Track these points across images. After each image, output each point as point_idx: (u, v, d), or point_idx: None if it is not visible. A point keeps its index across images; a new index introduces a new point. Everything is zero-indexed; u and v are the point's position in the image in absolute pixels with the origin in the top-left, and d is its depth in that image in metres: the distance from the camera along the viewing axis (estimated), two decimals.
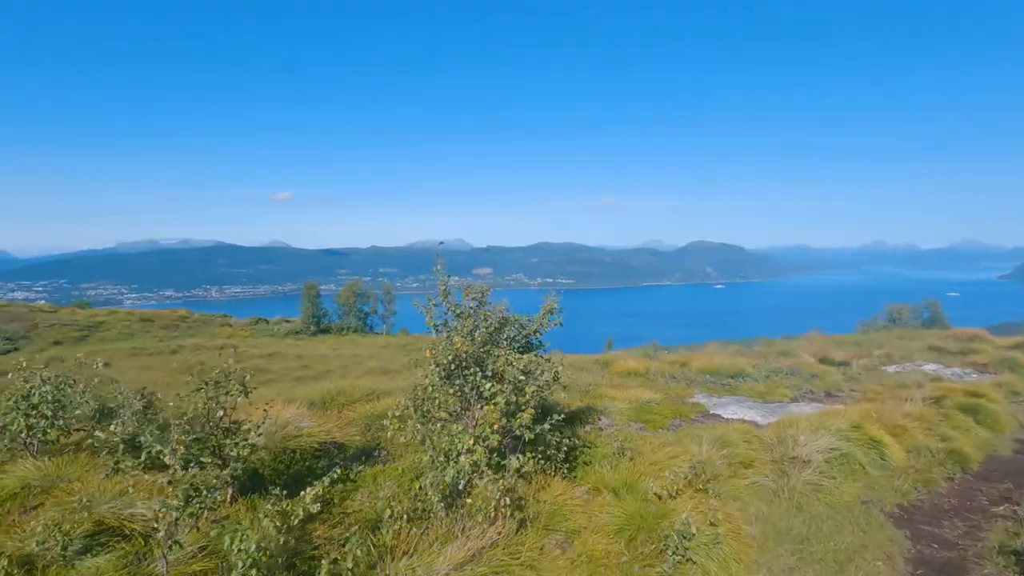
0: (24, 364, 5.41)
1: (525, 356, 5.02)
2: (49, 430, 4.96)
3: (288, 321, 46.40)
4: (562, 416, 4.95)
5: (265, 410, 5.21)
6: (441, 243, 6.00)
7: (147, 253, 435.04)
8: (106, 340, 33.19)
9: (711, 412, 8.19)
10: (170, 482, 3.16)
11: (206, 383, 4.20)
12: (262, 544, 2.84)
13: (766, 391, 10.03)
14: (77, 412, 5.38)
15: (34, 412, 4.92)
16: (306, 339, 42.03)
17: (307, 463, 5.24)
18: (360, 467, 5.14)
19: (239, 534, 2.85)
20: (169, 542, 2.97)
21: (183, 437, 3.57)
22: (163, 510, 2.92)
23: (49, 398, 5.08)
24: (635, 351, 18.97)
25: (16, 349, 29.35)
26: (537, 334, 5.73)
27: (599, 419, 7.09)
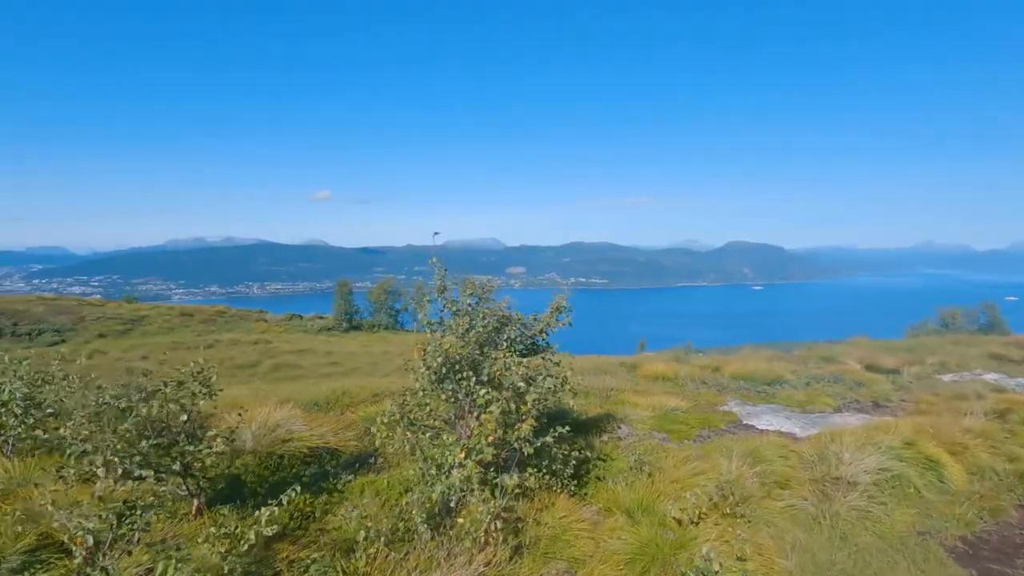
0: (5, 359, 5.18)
1: (527, 360, 4.49)
2: (19, 428, 4.71)
3: (322, 318, 46.96)
4: (569, 427, 4.43)
5: (240, 413, 4.87)
6: (437, 233, 5.51)
7: (194, 250, 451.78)
8: (147, 334, 34.18)
9: (744, 422, 7.50)
10: (100, 497, 2.80)
11: (165, 383, 3.84)
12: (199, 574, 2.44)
13: (806, 400, 9.24)
14: (50, 411, 5.10)
15: (3, 410, 4.69)
16: (338, 336, 42.45)
17: (294, 470, 4.88)
18: (350, 476, 4.74)
19: (172, 562, 2.45)
20: (90, 571, 2.59)
21: (139, 444, 3.22)
22: (79, 535, 2.54)
23: (18, 395, 4.84)
24: (666, 353, 18.25)
25: (63, 341, 30.49)
26: (544, 335, 5.19)
27: (618, 428, 6.52)
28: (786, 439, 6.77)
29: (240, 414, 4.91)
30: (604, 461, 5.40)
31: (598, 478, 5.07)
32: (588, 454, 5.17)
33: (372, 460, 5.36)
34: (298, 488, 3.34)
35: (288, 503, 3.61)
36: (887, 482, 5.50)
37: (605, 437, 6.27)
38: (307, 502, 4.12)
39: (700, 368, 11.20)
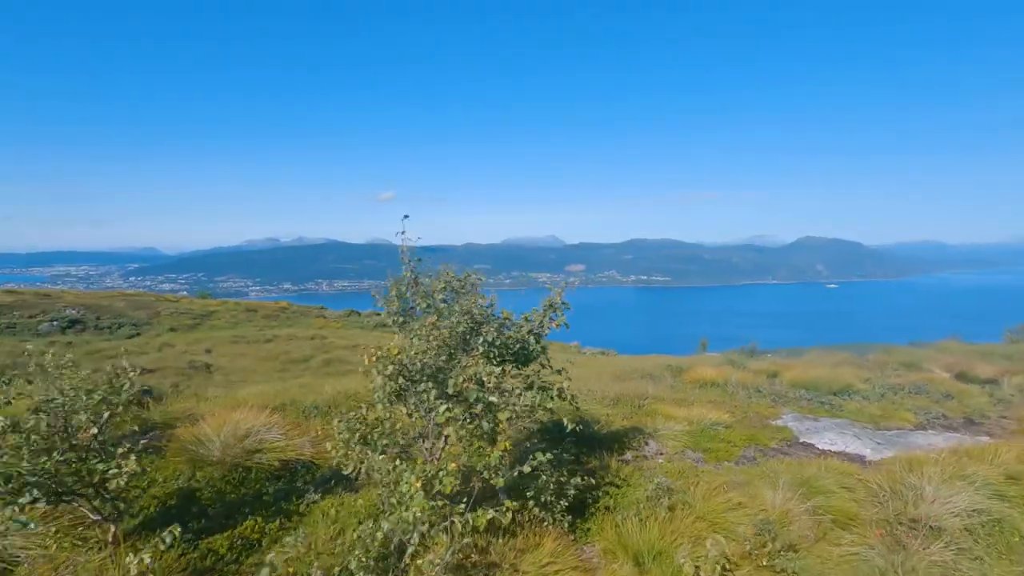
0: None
1: (499, 368, 3.69)
2: None
3: (378, 314, 47.76)
4: (567, 449, 3.63)
5: (204, 419, 4.40)
6: (406, 216, 4.81)
7: (268, 250, 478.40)
8: (214, 328, 35.77)
9: (800, 440, 6.39)
10: None
11: (62, 390, 3.34)
12: None
13: (880, 414, 7.92)
14: None
15: None
16: (394, 332, 42.94)
17: (259, 486, 4.36)
18: (317, 496, 4.16)
19: None
20: None
21: (39, 460, 2.74)
22: None
23: None
24: (722, 356, 16.84)
25: (139, 334, 32.35)
26: (536, 337, 4.38)
27: (645, 445, 5.62)
28: (852, 464, 5.64)
29: (204, 419, 4.44)
30: (618, 487, 4.55)
31: (607, 508, 4.23)
32: (594, 480, 4.34)
33: (355, 476, 4.77)
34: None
35: (232, 530, 3.04)
36: (982, 528, 4.34)
37: (628, 455, 5.40)
38: (257, 527, 3.57)
39: (755, 374, 10.00)
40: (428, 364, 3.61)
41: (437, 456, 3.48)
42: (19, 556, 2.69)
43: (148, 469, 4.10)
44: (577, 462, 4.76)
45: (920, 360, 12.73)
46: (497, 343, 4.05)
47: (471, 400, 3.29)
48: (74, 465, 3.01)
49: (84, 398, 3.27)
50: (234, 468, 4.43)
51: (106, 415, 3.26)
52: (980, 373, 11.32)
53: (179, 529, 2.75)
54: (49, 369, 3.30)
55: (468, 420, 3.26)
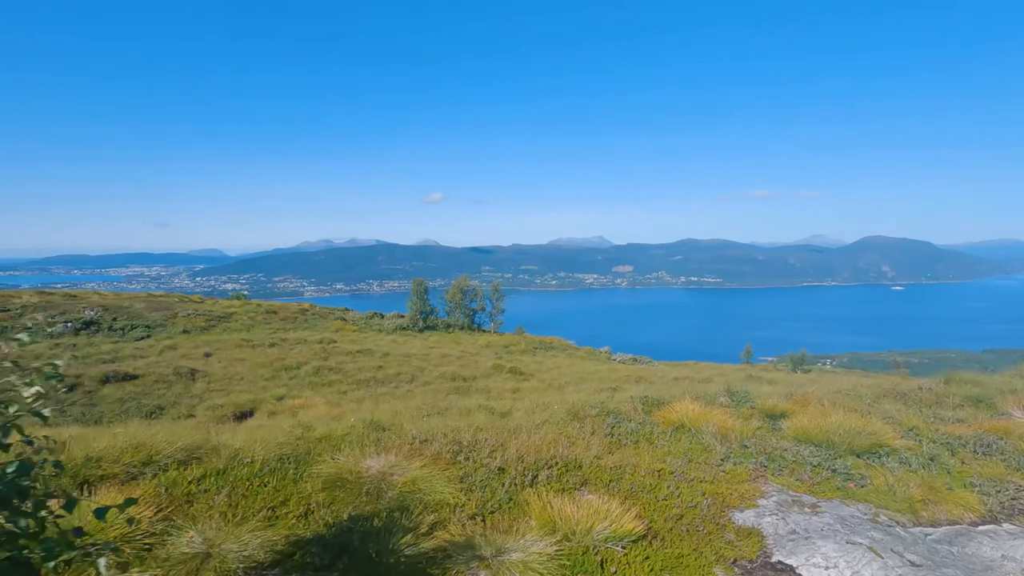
0: None
1: None
2: None
3: (401, 316, 46.54)
4: None
5: None
6: None
7: (323, 251, 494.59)
8: (228, 330, 35.25)
9: (773, 559, 3.90)
10: None
11: None
12: None
13: (924, 495, 5.23)
14: None
15: None
16: (412, 335, 41.57)
17: None
18: None
19: None
20: None
21: None
22: None
23: None
24: (767, 367, 14.11)
25: (149, 336, 32.03)
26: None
27: None
28: None
29: None
30: None
31: None
32: None
33: None
34: None
35: None
36: None
37: None
38: None
39: (746, 419, 7.34)
40: None
41: None
42: None
43: None
44: None
45: (992, 392, 9.64)
46: None
47: None
48: None
49: None
50: None
51: None
52: None
53: None
54: None
55: None
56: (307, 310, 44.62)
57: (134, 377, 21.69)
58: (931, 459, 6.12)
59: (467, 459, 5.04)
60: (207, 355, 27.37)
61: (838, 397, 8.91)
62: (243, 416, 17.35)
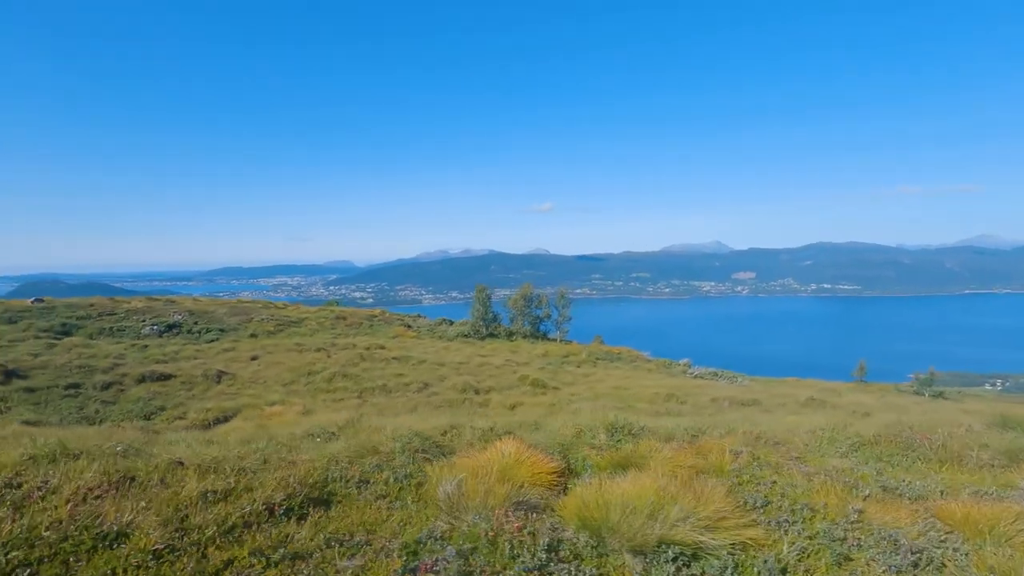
0: None
1: None
2: None
3: (465, 324, 46.16)
4: None
5: None
6: None
7: (439, 261, 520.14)
8: (292, 335, 36.96)
9: None
10: None
11: None
12: None
13: None
14: None
15: None
16: (470, 342, 40.86)
17: None
18: None
19: None
20: None
21: None
22: None
23: None
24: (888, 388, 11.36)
25: (218, 339, 34.35)
26: None
27: None
28: None
29: None
30: None
31: None
32: None
33: None
34: None
35: None
36: None
37: None
38: None
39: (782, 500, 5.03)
40: None
41: None
42: None
43: None
44: None
45: None
46: None
47: None
48: None
49: None
50: None
51: None
52: None
53: None
54: None
55: None
56: (375, 316, 45.77)
57: (169, 377, 22.90)
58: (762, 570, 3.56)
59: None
60: (253, 358, 28.55)
61: (805, 440, 6.16)
62: (221, 420, 17.37)
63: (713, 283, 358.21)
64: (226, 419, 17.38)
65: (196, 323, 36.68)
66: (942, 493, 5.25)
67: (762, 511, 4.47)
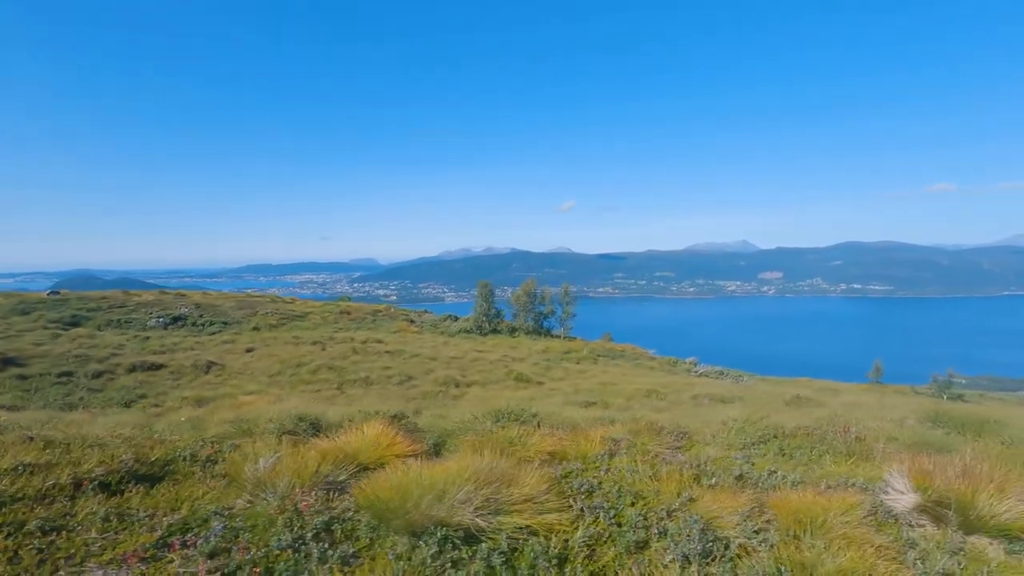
0: None
1: None
2: None
3: (468, 320, 46.16)
4: None
5: None
6: None
7: (461, 259, 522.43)
8: (293, 328, 37.45)
9: None
10: None
11: None
12: None
13: None
14: None
15: None
16: (473, 338, 40.82)
17: None
18: None
19: None
20: None
21: None
22: None
23: None
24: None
25: (220, 332, 34.99)
26: None
27: None
28: None
29: None
30: None
31: None
32: None
33: None
34: None
35: None
36: None
37: None
38: None
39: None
40: None
41: None
42: None
43: None
44: None
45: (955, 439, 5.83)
46: None
47: None
48: None
49: None
50: None
51: None
52: None
53: None
54: None
55: None
56: (380, 311, 46.08)
57: (159, 367, 23.40)
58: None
59: None
60: (248, 350, 28.99)
61: (715, 431, 5.88)
62: (195, 408, 17.59)
63: (739, 283, 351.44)
64: (200, 407, 17.63)
65: (201, 316, 37.44)
66: (819, 483, 4.93)
67: (585, 497, 4.24)
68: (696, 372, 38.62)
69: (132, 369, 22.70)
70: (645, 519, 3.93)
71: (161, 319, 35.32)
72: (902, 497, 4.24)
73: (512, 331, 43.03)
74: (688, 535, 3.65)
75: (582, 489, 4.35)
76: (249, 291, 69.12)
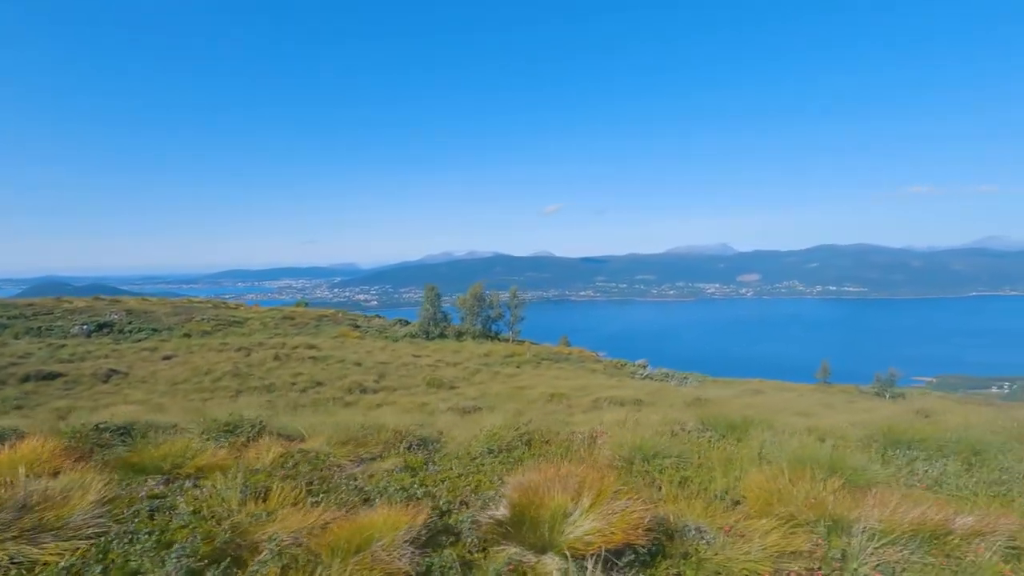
0: None
1: None
2: None
3: (407, 323, 45.58)
4: None
5: None
6: None
7: (444, 264, 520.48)
8: (228, 335, 36.49)
9: None
10: None
11: None
12: None
13: None
14: None
15: None
16: (417, 343, 40.20)
17: None
18: None
19: None
20: None
21: None
22: None
23: None
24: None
25: (146, 339, 33.93)
26: None
27: None
28: None
29: None
30: None
31: None
32: None
33: None
34: None
35: None
36: None
37: None
38: None
39: None
40: None
41: None
42: None
43: None
44: None
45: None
46: None
47: None
48: None
49: None
50: None
51: None
52: None
53: None
54: None
55: None
56: (327, 316, 45.24)
57: (56, 376, 22.48)
58: None
59: None
60: (166, 358, 28.08)
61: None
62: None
63: (718, 285, 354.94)
64: (62, 419, 16.82)
65: (131, 322, 36.34)
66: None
67: None
68: (641, 375, 38.39)
69: (25, 379, 21.75)
70: None
71: (86, 326, 34.17)
72: (496, 513, 3.83)
73: (459, 335, 42.51)
74: None
75: None
76: (223, 297, 67.68)
